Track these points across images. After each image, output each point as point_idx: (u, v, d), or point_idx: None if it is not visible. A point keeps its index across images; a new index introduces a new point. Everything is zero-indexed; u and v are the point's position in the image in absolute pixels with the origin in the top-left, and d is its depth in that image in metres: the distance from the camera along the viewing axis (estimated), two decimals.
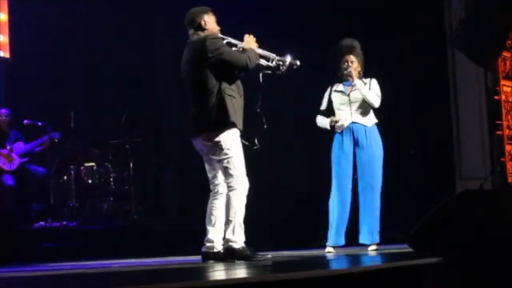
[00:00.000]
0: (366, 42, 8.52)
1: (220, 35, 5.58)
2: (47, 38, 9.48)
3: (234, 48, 5.59)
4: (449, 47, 8.66)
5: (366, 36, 8.59)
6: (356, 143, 6.43)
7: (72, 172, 9.13)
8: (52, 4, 9.33)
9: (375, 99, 6.41)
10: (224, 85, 5.39)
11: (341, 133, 6.47)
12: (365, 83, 6.46)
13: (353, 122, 6.44)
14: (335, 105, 6.52)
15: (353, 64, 6.49)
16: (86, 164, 9.26)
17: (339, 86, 6.57)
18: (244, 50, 5.54)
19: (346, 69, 6.48)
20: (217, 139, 5.37)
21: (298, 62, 5.71)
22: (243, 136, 5.51)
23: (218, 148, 5.39)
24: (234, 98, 5.42)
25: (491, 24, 7.75)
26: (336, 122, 6.46)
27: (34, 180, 9.13)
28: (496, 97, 8.44)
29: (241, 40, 5.64)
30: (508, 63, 8.52)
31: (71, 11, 9.55)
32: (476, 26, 7.81)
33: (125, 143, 9.37)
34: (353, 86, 6.44)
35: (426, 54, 8.54)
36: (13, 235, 8.03)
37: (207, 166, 5.59)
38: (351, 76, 6.43)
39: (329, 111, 6.54)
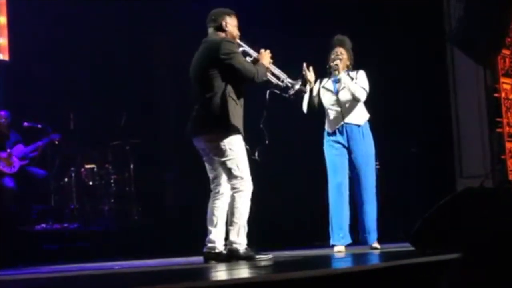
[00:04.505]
0: (366, 40, 8.56)
1: (238, 40, 5.58)
2: (47, 40, 9.46)
3: (248, 58, 5.58)
4: (448, 45, 8.65)
5: (366, 34, 8.65)
6: (349, 143, 6.35)
7: (73, 174, 9.13)
8: (51, 6, 9.32)
9: (361, 93, 6.30)
10: (229, 88, 5.37)
11: (334, 133, 6.40)
12: (351, 77, 6.37)
13: (345, 123, 6.35)
14: (325, 104, 6.44)
15: (342, 55, 6.41)
16: (87, 166, 9.26)
17: (328, 82, 6.47)
18: (256, 61, 5.54)
19: (334, 60, 6.40)
20: (220, 139, 5.34)
21: (306, 90, 5.76)
22: (245, 142, 5.49)
23: (221, 148, 5.36)
24: (237, 104, 5.40)
25: (490, 21, 7.76)
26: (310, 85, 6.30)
27: (34, 182, 9.12)
28: (495, 95, 8.45)
29: (258, 51, 5.62)
30: (507, 60, 8.53)
31: (70, 13, 9.53)
32: (475, 24, 7.81)
33: (125, 144, 9.37)
34: (339, 80, 6.33)
35: (426, 52, 8.54)
36: (14, 237, 8.03)
37: (207, 166, 5.56)
38: (338, 67, 6.31)
39: (319, 105, 6.44)
